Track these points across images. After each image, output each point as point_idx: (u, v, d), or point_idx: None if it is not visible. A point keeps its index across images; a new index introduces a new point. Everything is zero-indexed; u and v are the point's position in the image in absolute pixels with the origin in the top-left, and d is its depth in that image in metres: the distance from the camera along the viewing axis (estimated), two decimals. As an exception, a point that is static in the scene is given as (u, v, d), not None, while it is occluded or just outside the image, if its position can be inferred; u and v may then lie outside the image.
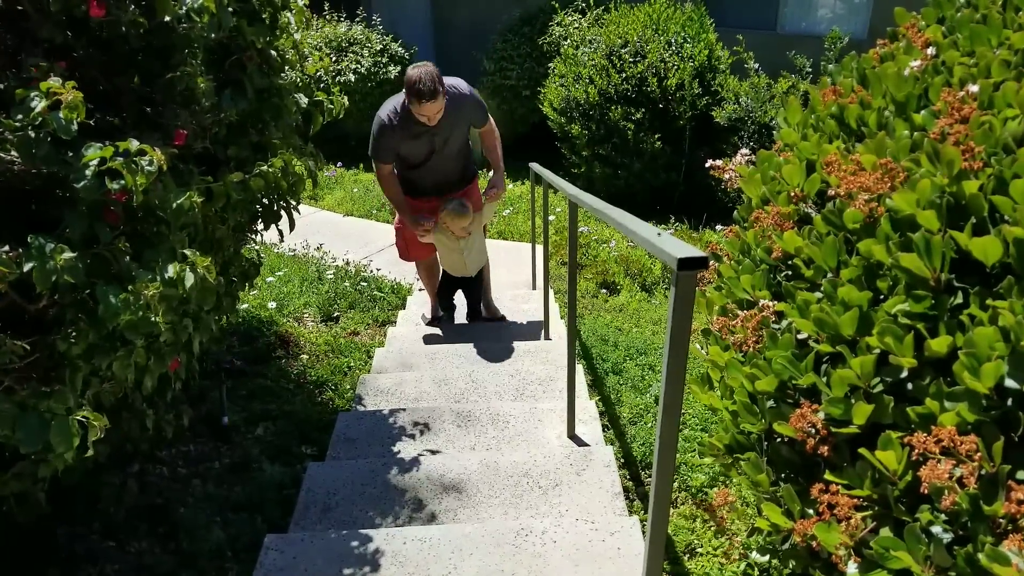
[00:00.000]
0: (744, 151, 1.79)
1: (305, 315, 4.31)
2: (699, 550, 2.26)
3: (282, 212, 2.37)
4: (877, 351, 1.17)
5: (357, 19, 8.29)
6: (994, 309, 1.04)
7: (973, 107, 1.17)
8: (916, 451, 1.04)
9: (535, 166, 3.87)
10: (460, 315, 4.37)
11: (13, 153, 1.36)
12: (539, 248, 5.30)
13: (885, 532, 1.09)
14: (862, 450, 1.12)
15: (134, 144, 1.48)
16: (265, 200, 2.26)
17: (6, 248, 1.38)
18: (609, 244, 5.54)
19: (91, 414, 1.43)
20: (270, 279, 4.68)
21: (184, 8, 1.69)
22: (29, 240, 1.40)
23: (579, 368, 3.29)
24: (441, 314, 4.30)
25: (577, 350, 3.61)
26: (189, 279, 1.57)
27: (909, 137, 1.27)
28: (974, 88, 1.18)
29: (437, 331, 4.09)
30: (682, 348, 1.17)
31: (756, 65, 6.30)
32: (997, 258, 1.06)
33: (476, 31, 8.73)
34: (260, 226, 2.46)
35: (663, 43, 6.41)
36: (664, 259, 1.13)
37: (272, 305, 4.27)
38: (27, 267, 1.37)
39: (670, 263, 1.10)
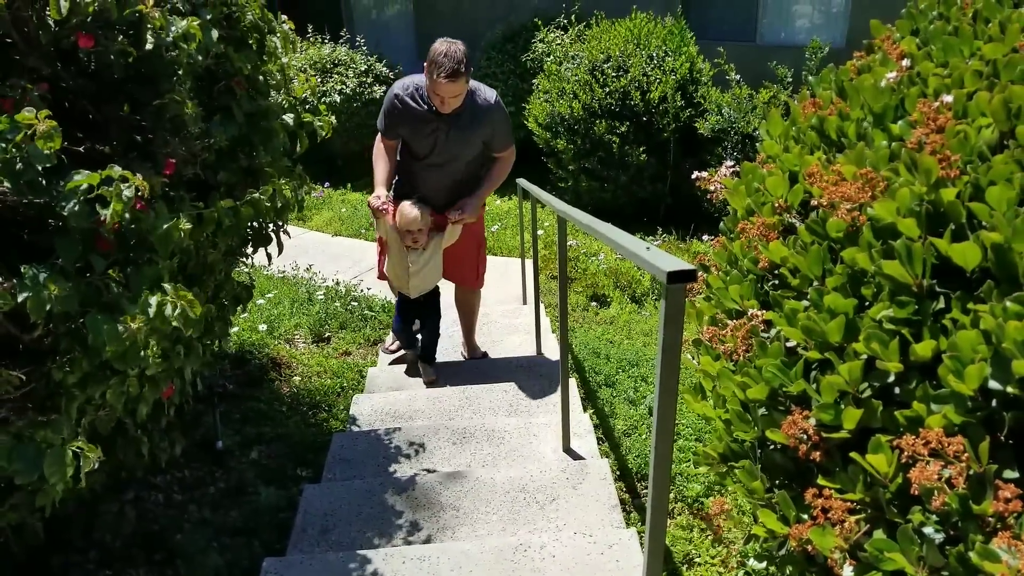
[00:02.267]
0: (729, 163, 1.82)
1: (296, 336, 4.30)
2: (697, 560, 2.27)
3: (271, 235, 2.38)
4: (864, 357, 1.19)
5: (341, 40, 8.34)
6: (975, 313, 1.06)
7: (948, 117, 1.20)
8: (905, 454, 1.06)
9: (522, 182, 3.90)
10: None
11: (6, 184, 1.37)
12: (529, 263, 5.33)
13: (879, 534, 1.11)
14: (853, 454, 1.14)
15: (117, 170, 1.49)
16: (255, 224, 2.27)
17: (0, 279, 1.39)
18: (598, 257, 5.57)
19: (85, 445, 1.43)
20: (260, 301, 4.68)
21: (170, 36, 1.71)
22: (23, 270, 1.41)
23: (572, 382, 3.31)
24: (396, 347, 3.86)
25: (569, 363, 3.63)
26: (169, 311, 1.57)
27: (887, 147, 1.31)
28: (948, 98, 1.22)
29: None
30: (674, 359, 1.19)
31: (737, 76, 6.38)
32: (976, 263, 1.09)
33: (470, 48, 8.78)
34: (250, 249, 2.47)
35: (645, 57, 6.49)
36: (654, 272, 1.15)
37: (263, 327, 4.26)
38: (21, 297, 1.37)
39: (659, 276, 1.12)
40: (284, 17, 2.32)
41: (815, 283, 1.38)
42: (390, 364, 3.78)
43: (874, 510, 1.15)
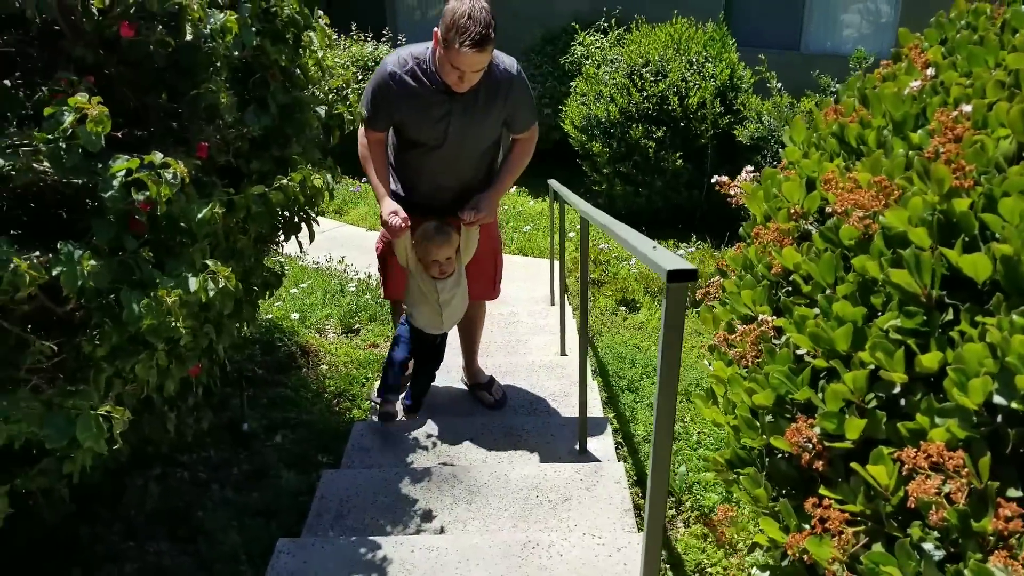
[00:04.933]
0: (749, 168, 1.82)
1: (327, 327, 4.38)
2: (709, 570, 2.26)
3: (302, 224, 2.44)
4: (871, 366, 1.19)
5: (383, 39, 8.45)
6: (983, 326, 1.06)
7: (966, 127, 1.19)
8: (906, 466, 1.06)
9: (553, 183, 3.92)
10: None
11: (45, 164, 1.44)
12: (557, 264, 5.34)
13: (878, 548, 1.10)
14: (854, 464, 1.14)
15: (158, 157, 1.55)
16: (286, 212, 2.33)
17: (37, 254, 1.45)
18: (629, 262, 5.56)
19: (113, 408, 1.49)
20: (294, 291, 4.77)
21: (208, 28, 1.77)
22: (59, 247, 1.47)
23: (594, 384, 3.32)
24: (379, 401, 2.93)
25: (593, 367, 3.64)
26: (211, 289, 1.64)
27: (904, 156, 1.30)
28: (967, 108, 1.21)
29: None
30: (674, 357, 1.21)
31: (779, 84, 6.32)
32: (987, 275, 1.08)
33: (508, 51, 8.83)
34: (281, 237, 2.52)
35: (684, 62, 6.46)
36: (656, 270, 1.17)
37: (295, 316, 4.35)
38: (56, 271, 1.43)
39: (661, 274, 1.14)
40: (320, 13, 2.38)
41: (828, 290, 1.38)
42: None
43: (874, 523, 1.14)
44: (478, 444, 2.76)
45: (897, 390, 1.16)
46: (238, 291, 1.82)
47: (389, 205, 2.53)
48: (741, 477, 1.43)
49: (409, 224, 2.51)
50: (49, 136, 1.45)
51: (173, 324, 1.59)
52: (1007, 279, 1.05)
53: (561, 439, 2.79)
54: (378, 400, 2.95)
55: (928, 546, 1.05)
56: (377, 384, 3.35)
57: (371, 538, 2.07)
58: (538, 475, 2.43)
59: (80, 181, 1.53)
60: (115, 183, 1.52)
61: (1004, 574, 0.91)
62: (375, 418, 3.08)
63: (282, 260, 2.77)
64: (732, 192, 1.74)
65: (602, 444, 2.78)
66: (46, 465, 1.70)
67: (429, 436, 2.82)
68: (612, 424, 3.03)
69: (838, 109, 1.63)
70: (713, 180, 1.82)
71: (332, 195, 2.32)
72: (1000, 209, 1.05)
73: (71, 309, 1.61)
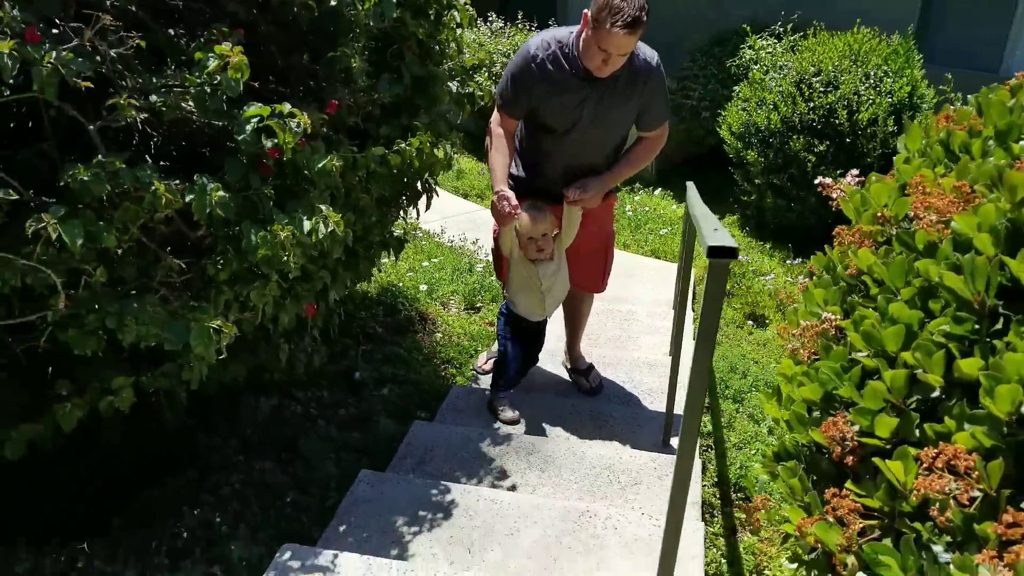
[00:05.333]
0: (855, 171, 1.76)
1: (451, 302, 4.59)
2: (767, 572, 2.21)
3: (421, 191, 2.61)
4: (914, 369, 1.15)
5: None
6: (1028, 336, 1.00)
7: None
8: (923, 465, 1.03)
9: (690, 185, 3.88)
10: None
11: (190, 104, 1.67)
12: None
13: (887, 542, 1.08)
14: (876, 459, 1.11)
15: (287, 107, 1.75)
16: (406, 179, 2.51)
17: (176, 181, 1.69)
18: (766, 277, 5.38)
19: (224, 324, 1.71)
20: (425, 264, 5.04)
21: (350, -4, 1.96)
22: (195, 178, 1.71)
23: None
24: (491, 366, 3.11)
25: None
26: (321, 230, 1.83)
27: (994, 165, 1.23)
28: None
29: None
30: (710, 333, 1.23)
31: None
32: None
33: (673, 50, 8.71)
34: (405, 203, 2.72)
35: (860, 75, 6.10)
36: (703, 245, 1.19)
37: (423, 288, 4.60)
38: (188, 198, 1.67)
39: (704, 250, 1.16)
40: (467, -1, 2.52)
41: (896, 294, 1.33)
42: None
43: (890, 520, 1.11)
44: (564, 423, 2.83)
45: (936, 394, 1.12)
46: (347, 237, 2.00)
47: (501, 191, 2.53)
48: (780, 468, 1.41)
49: (518, 210, 2.50)
50: (197, 80, 1.68)
51: (284, 258, 1.79)
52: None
53: (647, 432, 2.79)
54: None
55: (938, 548, 1.02)
56: (484, 356, 3.50)
57: (442, 483, 2.20)
58: (613, 457, 2.47)
59: (220, 124, 1.76)
60: (248, 127, 1.74)
61: (988, 572, 0.88)
62: (476, 384, 3.23)
63: (412, 231, 2.95)
64: (834, 195, 1.69)
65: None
66: (168, 369, 1.96)
67: (516, 408, 2.93)
68: (705, 428, 2.99)
69: (950, 116, 1.56)
70: (816, 181, 1.78)
71: (450, 166, 2.47)
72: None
73: (201, 236, 1.86)
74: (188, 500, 2.41)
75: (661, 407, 3.10)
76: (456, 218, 6.42)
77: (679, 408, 2.96)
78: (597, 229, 2.81)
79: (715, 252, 1.14)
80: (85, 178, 1.53)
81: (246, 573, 2.07)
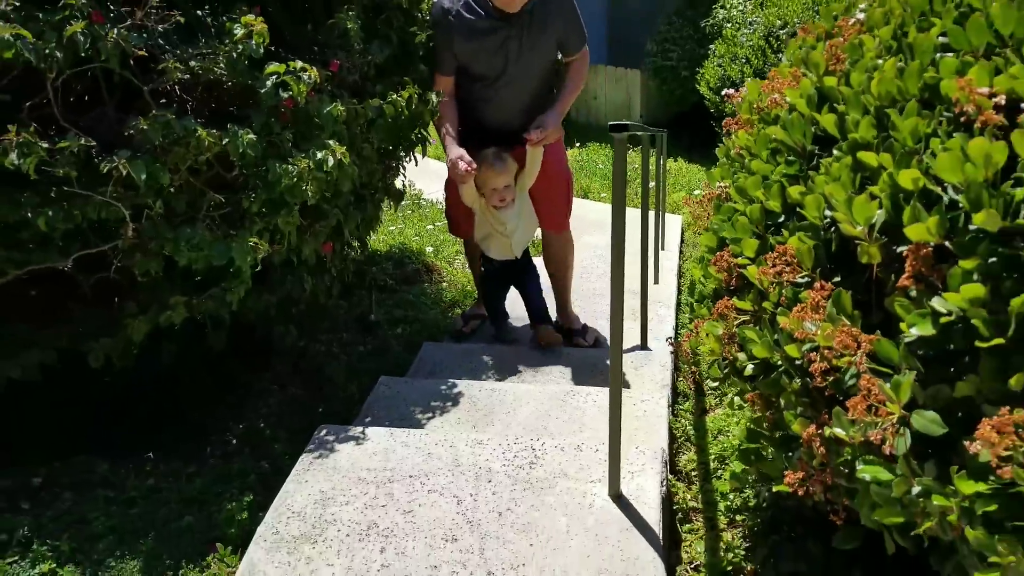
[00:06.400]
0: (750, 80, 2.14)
1: (456, 261, 4.99)
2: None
3: (416, 140, 3.00)
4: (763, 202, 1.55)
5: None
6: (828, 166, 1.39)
7: (854, 31, 1.51)
8: (771, 265, 1.42)
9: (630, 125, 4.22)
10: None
11: (222, 66, 2.07)
12: (672, 216, 5.66)
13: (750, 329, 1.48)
14: (743, 271, 1.51)
15: (298, 63, 2.15)
16: (401, 132, 2.89)
17: (214, 130, 2.09)
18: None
19: (258, 240, 2.12)
20: (430, 227, 5.44)
21: (342, -30, 2.35)
22: (228, 127, 2.11)
23: (672, 306, 3.67)
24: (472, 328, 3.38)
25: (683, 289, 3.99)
26: (331, 161, 2.22)
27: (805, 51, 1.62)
28: (861, 16, 1.52)
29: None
30: (620, 200, 1.63)
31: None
32: (834, 129, 1.42)
33: (652, 18, 9.05)
34: (402, 153, 3.10)
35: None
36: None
37: (429, 249, 5.00)
38: (224, 141, 2.07)
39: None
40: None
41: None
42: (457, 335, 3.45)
43: (757, 317, 1.51)
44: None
45: (782, 220, 1.51)
46: (353, 173, 2.40)
47: (455, 151, 2.68)
48: (697, 307, 1.82)
49: (475, 168, 2.66)
50: (226, 47, 2.08)
51: (304, 187, 2.20)
52: (840, 132, 1.39)
53: (628, 340, 3.18)
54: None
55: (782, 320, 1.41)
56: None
57: (449, 380, 2.62)
58: (597, 356, 2.88)
59: (247, 82, 2.16)
60: (268, 83, 2.14)
61: (812, 325, 1.27)
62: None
63: (423, 203, 3.33)
64: (734, 102, 2.08)
65: (660, 346, 3.12)
66: (214, 292, 2.37)
67: (518, 338, 3.31)
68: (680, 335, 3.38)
69: (807, 28, 1.96)
70: (723, 92, 2.17)
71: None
72: (851, 81, 1.38)
73: (235, 176, 2.26)
74: (233, 418, 2.83)
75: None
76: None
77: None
78: (554, 164, 2.94)
79: (615, 128, 1.54)
80: (144, 127, 1.93)
81: (290, 464, 2.49)
